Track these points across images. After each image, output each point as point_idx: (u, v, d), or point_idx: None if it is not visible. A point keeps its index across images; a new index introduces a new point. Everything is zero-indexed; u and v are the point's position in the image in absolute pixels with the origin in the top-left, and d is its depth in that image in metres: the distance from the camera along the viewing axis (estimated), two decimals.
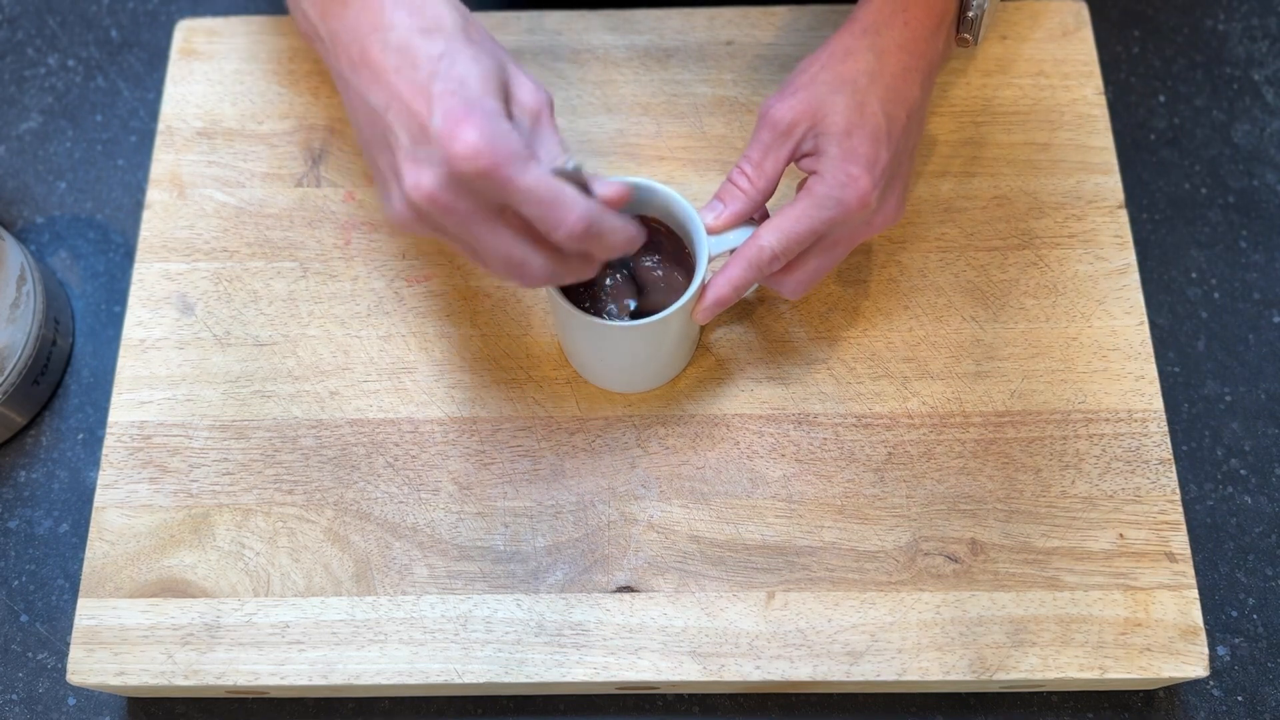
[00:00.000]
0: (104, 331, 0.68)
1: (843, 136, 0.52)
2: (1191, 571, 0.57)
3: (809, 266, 0.55)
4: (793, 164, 0.55)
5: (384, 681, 0.55)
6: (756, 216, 0.55)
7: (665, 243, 0.58)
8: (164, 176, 0.67)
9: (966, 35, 0.57)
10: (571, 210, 0.45)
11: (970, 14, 0.56)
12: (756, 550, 0.57)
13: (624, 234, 0.48)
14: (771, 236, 0.52)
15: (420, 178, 0.44)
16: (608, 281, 0.58)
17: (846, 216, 0.52)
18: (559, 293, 0.54)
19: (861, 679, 0.55)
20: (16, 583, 0.62)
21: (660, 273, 0.59)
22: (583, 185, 0.47)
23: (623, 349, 0.57)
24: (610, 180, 0.48)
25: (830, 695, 0.59)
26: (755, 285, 0.58)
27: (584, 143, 0.67)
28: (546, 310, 0.63)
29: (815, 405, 0.60)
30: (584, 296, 0.58)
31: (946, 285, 0.63)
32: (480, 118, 0.44)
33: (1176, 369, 0.66)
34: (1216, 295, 0.68)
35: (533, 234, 0.47)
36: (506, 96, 0.47)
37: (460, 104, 0.44)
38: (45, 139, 0.73)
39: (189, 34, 0.70)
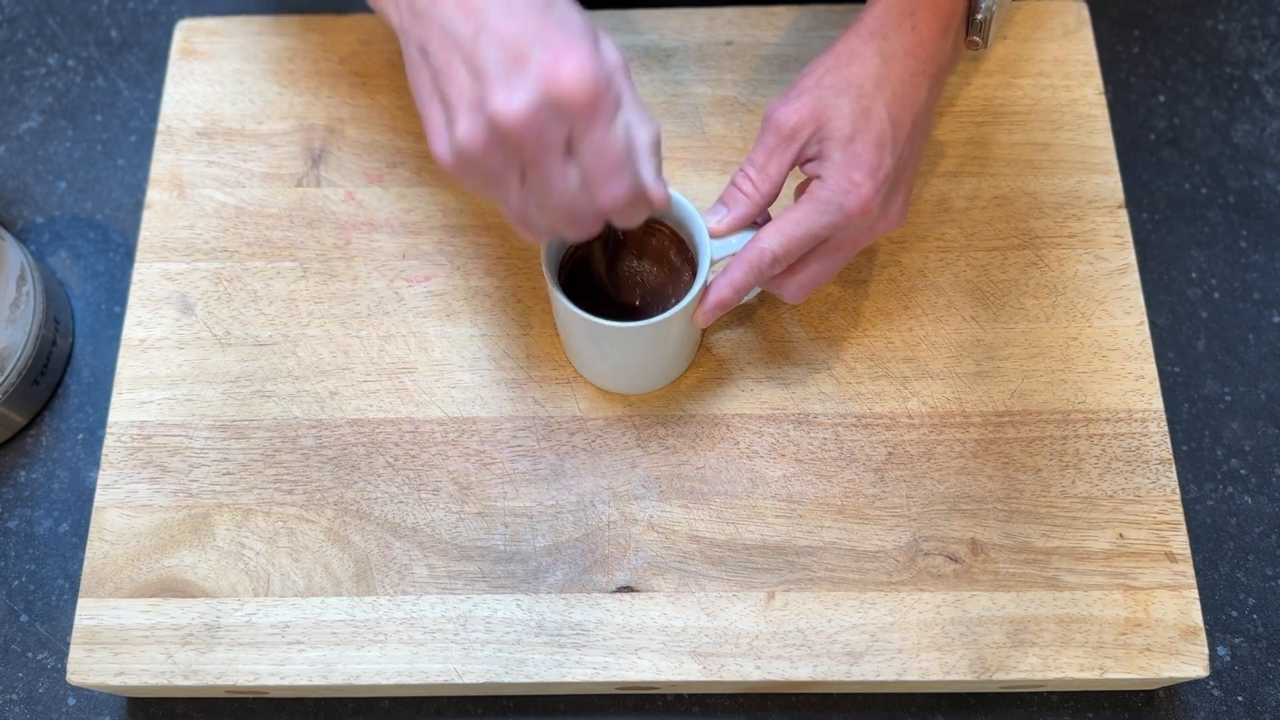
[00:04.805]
0: (104, 331, 0.68)
1: (846, 142, 0.52)
2: (1191, 571, 0.57)
3: (810, 270, 0.54)
4: (797, 167, 0.55)
5: (384, 681, 0.55)
6: (760, 220, 0.55)
7: (668, 244, 0.58)
8: (164, 176, 0.67)
9: (976, 38, 0.56)
10: (626, 178, 0.45)
11: (979, 16, 0.55)
12: (756, 550, 0.57)
13: (649, 211, 0.47)
14: (772, 240, 0.52)
15: (513, 99, 0.43)
16: (610, 281, 0.58)
17: (847, 222, 0.52)
18: (561, 293, 0.54)
19: (861, 679, 0.55)
20: (16, 583, 0.62)
21: (663, 275, 0.59)
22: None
23: (624, 350, 0.57)
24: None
25: (830, 695, 0.59)
26: (757, 289, 0.58)
27: None
28: (547, 310, 0.63)
29: (815, 405, 0.60)
30: (586, 297, 0.58)
31: (946, 285, 0.63)
32: (588, 50, 0.43)
33: (1176, 369, 0.66)
34: (1216, 295, 0.68)
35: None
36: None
37: (567, 37, 0.43)
38: (45, 139, 0.73)
39: (189, 34, 0.70)
